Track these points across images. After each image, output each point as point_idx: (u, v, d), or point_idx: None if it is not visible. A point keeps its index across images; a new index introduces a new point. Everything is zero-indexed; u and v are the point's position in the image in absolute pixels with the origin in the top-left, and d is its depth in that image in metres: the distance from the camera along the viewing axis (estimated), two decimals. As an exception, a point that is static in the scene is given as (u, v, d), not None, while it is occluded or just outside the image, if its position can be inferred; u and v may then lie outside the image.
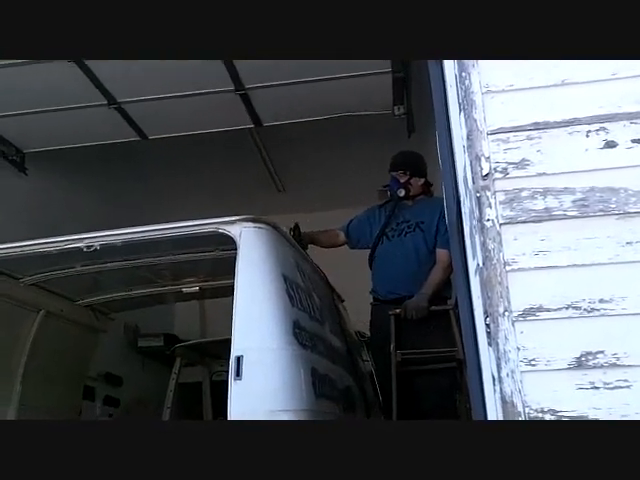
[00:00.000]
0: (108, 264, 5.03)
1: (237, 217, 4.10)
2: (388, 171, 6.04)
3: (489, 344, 2.84)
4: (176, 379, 7.67)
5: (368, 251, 6.08)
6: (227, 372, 3.79)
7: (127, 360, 8.94)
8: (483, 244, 2.93)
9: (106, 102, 6.77)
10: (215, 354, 7.96)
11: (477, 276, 2.94)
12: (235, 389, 3.72)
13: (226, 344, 3.86)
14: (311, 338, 4.27)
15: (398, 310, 5.51)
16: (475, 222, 2.96)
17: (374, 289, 5.98)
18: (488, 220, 2.94)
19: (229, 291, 4.00)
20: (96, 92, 6.56)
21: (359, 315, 6.45)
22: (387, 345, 5.44)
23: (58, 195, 8.29)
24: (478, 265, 2.93)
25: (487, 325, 2.84)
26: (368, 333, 6.34)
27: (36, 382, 5.57)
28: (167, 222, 4.31)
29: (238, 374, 3.72)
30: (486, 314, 2.86)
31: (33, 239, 4.55)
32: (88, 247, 4.38)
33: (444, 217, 5.76)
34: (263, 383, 3.75)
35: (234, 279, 3.96)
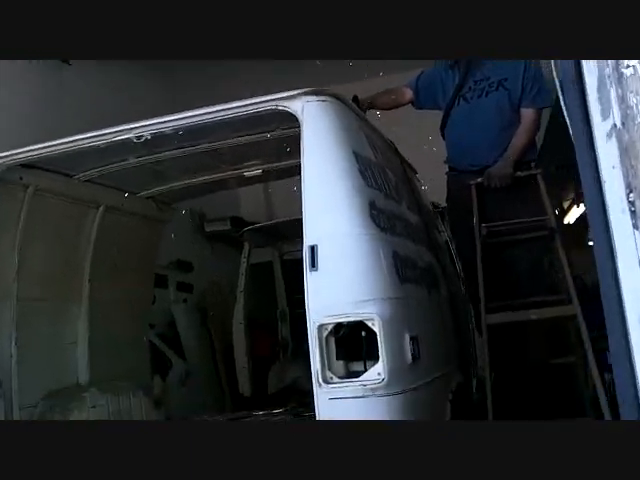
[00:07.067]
0: (163, 153, 4.81)
1: (297, 91, 3.74)
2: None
3: (634, 226, 2.23)
4: (247, 262, 7.73)
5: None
6: (297, 252, 3.59)
7: (196, 246, 8.98)
8: (622, 99, 2.28)
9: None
10: (284, 235, 7.98)
11: (613, 140, 2.30)
12: (312, 281, 3.44)
13: (294, 224, 3.67)
14: (389, 219, 3.93)
15: (480, 179, 5.12)
16: (608, 70, 2.32)
17: (451, 159, 5.54)
18: (628, 67, 2.34)
19: (294, 171, 3.80)
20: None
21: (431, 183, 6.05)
22: (469, 218, 5.06)
23: (106, 85, 7.90)
24: (615, 126, 2.29)
25: (630, 203, 2.22)
26: (442, 203, 6.04)
27: (104, 277, 5.55)
28: (222, 103, 3.97)
29: (313, 265, 3.43)
30: (629, 189, 2.22)
31: (81, 134, 4.30)
32: (138, 137, 4.15)
33: (528, 70, 5.24)
34: (342, 273, 3.46)
35: (299, 159, 3.64)
